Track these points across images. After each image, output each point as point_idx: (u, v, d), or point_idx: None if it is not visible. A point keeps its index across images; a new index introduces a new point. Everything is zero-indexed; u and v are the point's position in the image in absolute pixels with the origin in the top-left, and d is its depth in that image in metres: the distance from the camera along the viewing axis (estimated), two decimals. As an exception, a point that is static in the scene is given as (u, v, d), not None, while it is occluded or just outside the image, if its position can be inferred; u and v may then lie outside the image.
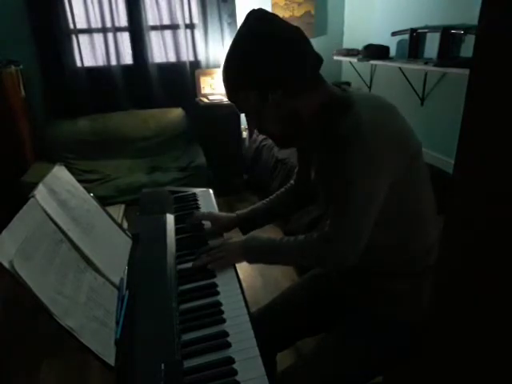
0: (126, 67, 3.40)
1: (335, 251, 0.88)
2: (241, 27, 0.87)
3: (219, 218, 1.17)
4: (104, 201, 1.75)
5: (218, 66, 3.52)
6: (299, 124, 0.92)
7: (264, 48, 0.84)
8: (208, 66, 3.53)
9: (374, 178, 0.83)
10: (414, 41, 2.62)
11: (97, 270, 0.82)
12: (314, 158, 1.03)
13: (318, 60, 0.89)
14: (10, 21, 3.07)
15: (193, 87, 3.51)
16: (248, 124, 0.99)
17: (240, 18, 3.49)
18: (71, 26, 3.19)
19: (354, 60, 3.06)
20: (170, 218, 1.16)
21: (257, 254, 1.00)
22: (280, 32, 0.85)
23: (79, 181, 1.03)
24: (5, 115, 2.82)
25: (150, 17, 3.34)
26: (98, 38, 3.29)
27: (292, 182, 1.23)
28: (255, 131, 1.00)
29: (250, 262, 1.00)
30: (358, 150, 0.82)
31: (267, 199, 1.23)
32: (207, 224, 1.18)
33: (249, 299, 0.90)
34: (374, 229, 0.87)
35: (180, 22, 3.38)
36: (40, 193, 0.82)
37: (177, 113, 3.47)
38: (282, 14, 3.55)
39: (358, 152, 0.82)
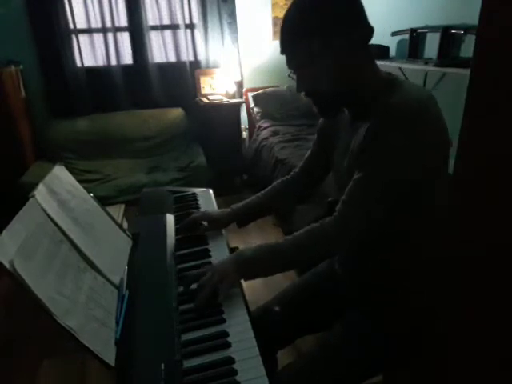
0: (126, 67, 3.40)
1: (342, 224, 0.88)
2: None
3: (214, 217, 1.16)
4: (104, 201, 1.75)
5: (218, 66, 3.52)
6: (353, 84, 0.88)
7: None
8: (208, 66, 3.53)
9: (408, 164, 0.79)
10: (413, 41, 2.62)
11: (97, 269, 0.82)
12: (339, 143, 1.00)
13: (370, 29, 0.87)
14: (10, 21, 3.07)
15: (193, 87, 3.51)
16: (298, 83, 0.92)
17: (240, 18, 3.49)
18: (71, 25, 3.19)
19: (354, 60, 3.05)
20: (170, 218, 1.16)
21: (253, 264, 0.91)
22: None
23: (79, 181, 1.02)
24: (5, 115, 2.82)
25: (150, 17, 3.34)
26: (98, 37, 3.29)
27: (294, 171, 1.21)
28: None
29: (247, 277, 0.92)
30: (402, 130, 0.78)
31: (263, 191, 1.21)
32: (205, 222, 1.18)
33: (249, 299, 0.90)
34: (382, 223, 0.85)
35: (180, 21, 3.38)
36: (40, 193, 0.82)
37: (177, 113, 3.47)
38: (282, 14, 3.54)
39: (401, 132, 0.78)
